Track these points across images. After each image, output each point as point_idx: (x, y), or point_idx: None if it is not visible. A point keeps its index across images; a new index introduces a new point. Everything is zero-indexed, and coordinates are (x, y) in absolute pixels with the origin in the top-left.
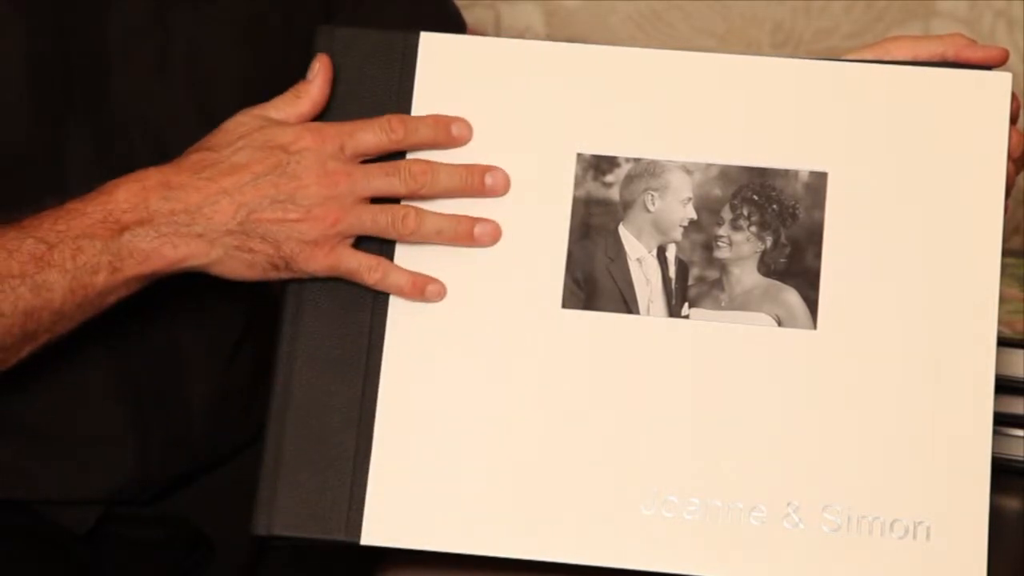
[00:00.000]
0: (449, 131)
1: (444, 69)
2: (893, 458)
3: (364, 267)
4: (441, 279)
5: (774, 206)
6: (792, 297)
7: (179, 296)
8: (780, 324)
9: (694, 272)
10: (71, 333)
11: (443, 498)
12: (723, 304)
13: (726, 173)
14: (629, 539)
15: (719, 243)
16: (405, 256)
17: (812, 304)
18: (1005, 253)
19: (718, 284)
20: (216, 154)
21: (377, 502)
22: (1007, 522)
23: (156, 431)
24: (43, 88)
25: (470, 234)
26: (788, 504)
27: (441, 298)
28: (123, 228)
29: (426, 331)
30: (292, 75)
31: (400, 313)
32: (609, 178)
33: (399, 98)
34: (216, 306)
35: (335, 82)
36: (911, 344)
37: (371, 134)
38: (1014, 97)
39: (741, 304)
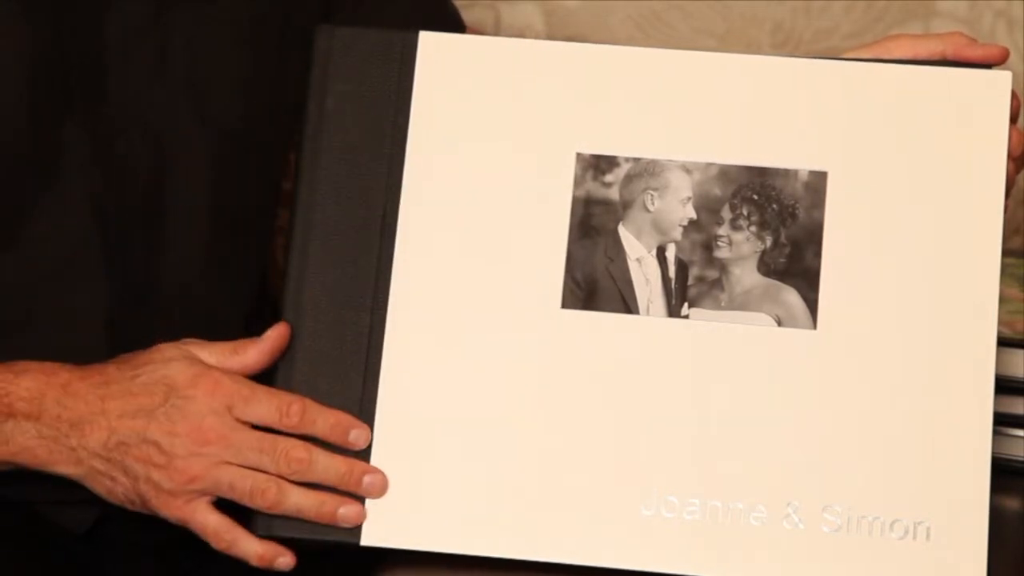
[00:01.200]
0: (346, 436)
1: (443, 68)
2: (893, 458)
3: (212, 530)
4: (441, 279)
5: (774, 206)
6: (792, 297)
7: (179, 297)
8: (780, 324)
9: (694, 272)
10: (73, 332)
11: (443, 498)
12: (723, 304)
13: (726, 172)
14: (629, 539)
15: (719, 243)
16: (407, 248)
17: (812, 304)
18: (1005, 253)
19: (718, 284)
20: (121, 373)
21: (377, 502)
22: (1007, 522)
23: None
24: (41, 88)
25: (333, 515)
26: (788, 504)
27: (289, 568)
28: (11, 415)
29: (426, 331)
30: (291, 75)
31: (400, 313)
32: (608, 178)
33: (398, 97)
34: (216, 307)
35: (334, 81)
36: (911, 344)
37: (265, 409)
38: (1014, 96)
39: (741, 304)
